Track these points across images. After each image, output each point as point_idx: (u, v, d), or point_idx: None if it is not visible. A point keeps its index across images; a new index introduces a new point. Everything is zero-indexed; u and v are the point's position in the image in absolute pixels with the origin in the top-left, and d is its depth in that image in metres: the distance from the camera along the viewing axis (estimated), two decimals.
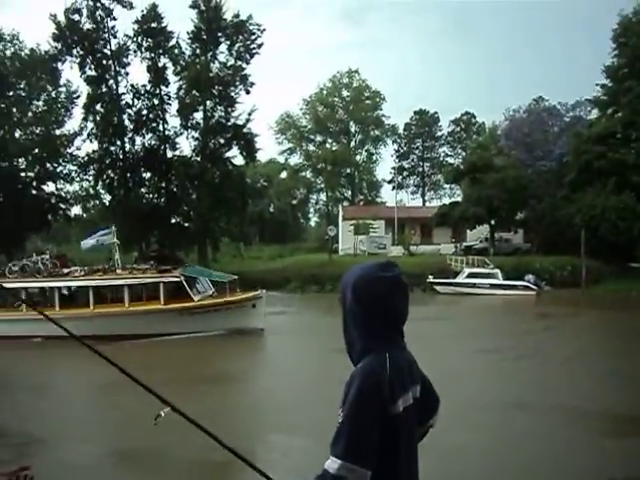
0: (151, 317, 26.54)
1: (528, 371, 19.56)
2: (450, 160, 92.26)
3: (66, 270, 29.80)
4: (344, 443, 2.49)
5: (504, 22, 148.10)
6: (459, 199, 67.64)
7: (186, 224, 56.25)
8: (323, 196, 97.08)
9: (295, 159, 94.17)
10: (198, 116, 54.32)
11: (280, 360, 23.68)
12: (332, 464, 2.49)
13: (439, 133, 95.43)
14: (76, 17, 52.22)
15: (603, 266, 48.18)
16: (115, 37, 53.07)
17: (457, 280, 46.00)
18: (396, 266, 2.76)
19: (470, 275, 45.57)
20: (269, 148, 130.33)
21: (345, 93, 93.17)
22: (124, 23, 61.15)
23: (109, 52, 53.04)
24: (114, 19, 52.79)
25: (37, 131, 56.71)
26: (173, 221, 55.37)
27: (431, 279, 46.38)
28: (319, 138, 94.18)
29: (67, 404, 17.43)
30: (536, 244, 58.97)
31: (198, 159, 54.59)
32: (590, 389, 16.82)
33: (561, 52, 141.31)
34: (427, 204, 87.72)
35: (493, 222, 57.53)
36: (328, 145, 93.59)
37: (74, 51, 52.59)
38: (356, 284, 2.69)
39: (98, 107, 53.02)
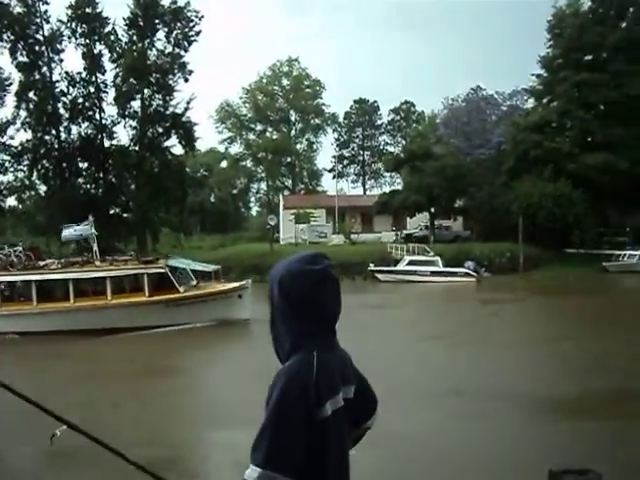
0: (135, 309, 25.52)
1: (472, 357, 19.69)
2: (390, 149, 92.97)
3: (42, 263, 28.63)
4: (265, 450, 2.30)
5: (443, 12, 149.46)
6: (399, 187, 68.16)
7: (125, 214, 55.29)
8: (264, 185, 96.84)
9: (235, 148, 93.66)
10: (136, 104, 53.36)
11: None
12: (252, 473, 2.30)
13: (379, 122, 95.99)
14: (5, 0, 50.60)
15: (540, 252, 49.22)
16: (48, 22, 51.57)
17: (398, 268, 46.35)
18: (326, 258, 2.57)
19: (410, 263, 45.96)
20: (209, 137, 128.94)
21: (285, 82, 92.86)
22: (57, 8, 59.56)
23: (42, 38, 51.49)
24: (46, 3, 51.24)
25: None
26: (111, 212, 54.26)
27: (372, 267, 46.66)
28: (259, 127, 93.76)
29: None
30: (475, 231, 59.85)
31: (136, 148, 53.65)
32: (533, 374, 17.07)
33: (498, 42, 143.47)
34: (368, 192, 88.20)
35: (433, 210, 58.17)
36: (268, 134, 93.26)
37: (4, 36, 50.90)
38: (282, 279, 2.51)
39: (31, 95, 51.48)
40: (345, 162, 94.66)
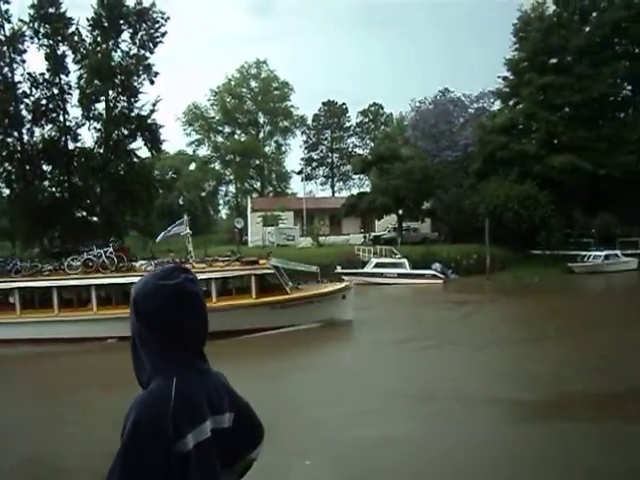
0: (241, 312, 24.43)
1: (443, 360, 19.65)
2: (359, 151, 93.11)
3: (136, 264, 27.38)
4: None
5: (411, 15, 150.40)
6: (368, 189, 68.26)
7: (90, 218, 54.49)
8: (232, 188, 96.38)
9: (204, 151, 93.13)
10: (100, 106, 52.44)
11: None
12: None
13: (348, 124, 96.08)
14: None
15: (507, 253, 49.54)
16: (9, 22, 50.37)
17: (365, 270, 46.25)
18: (184, 271, 2.32)
19: (378, 265, 45.92)
20: (177, 140, 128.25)
21: (253, 84, 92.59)
22: (19, 7, 58.57)
23: (3, 37, 50.51)
24: (7, 2, 50.06)
25: None
26: (77, 215, 53.49)
27: (339, 270, 46.52)
28: (227, 129, 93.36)
29: None
30: (443, 233, 60.13)
31: (101, 151, 52.84)
32: (503, 377, 17.06)
33: (466, 44, 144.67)
34: (336, 195, 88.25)
35: (401, 212, 58.24)
36: (237, 136, 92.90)
37: None
38: (136, 297, 2.27)
39: None
40: (314, 164, 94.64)
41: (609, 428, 12.42)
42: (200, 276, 23.20)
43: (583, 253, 50.10)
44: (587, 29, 58.82)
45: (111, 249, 26.77)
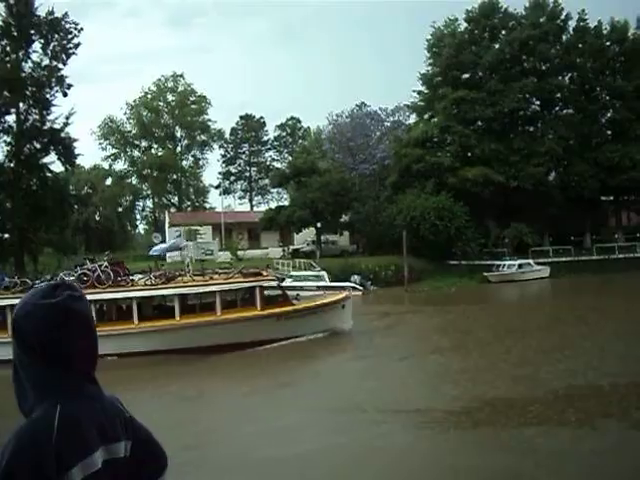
0: (246, 324, 23.84)
1: (367, 372, 19.66)
2: (277, 165, 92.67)
3: (134, 278, 26.19)
4: None
5: (329, 30, 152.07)
6: (286, 203, 68.26)
7: (1, 235, 52.60)
8: (150, 203, 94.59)
9: (120, 165, 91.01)
10: (10, 119, 50.84)
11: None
12: None
13: (265, 138, 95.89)
14: None
15: (425, 264, 50.35)
16: None
17: (283, 284, 45.95)
18: (69, 288, 2.10)
19: (296, 278, 45.83)
20: (93, 154, 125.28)
21: (170, 97, 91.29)
22: None
23: None
24: None
25: None
26: None
27: None
28: (144, 143, 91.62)
29: None
30: (362, 245, 60.65)
31: (12, 165, 51.15)
32: (425, 386, 17.24)
33: (382, 60, 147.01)
34: (255, 209, 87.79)
35: (319, 225, 58.46)
36: (153, 150, 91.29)
37: None
38: (16, 317, 2.05)
39: None
40: (232, 178, 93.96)
41: (515, 432, 12.74)
42: (206, 289, 24.45)
43: (498, 263, 51.41)
44: (497, 46, 60.67)
45: (106, 263, 25.45)
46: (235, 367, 21.34)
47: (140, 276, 26.23)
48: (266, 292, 25.41)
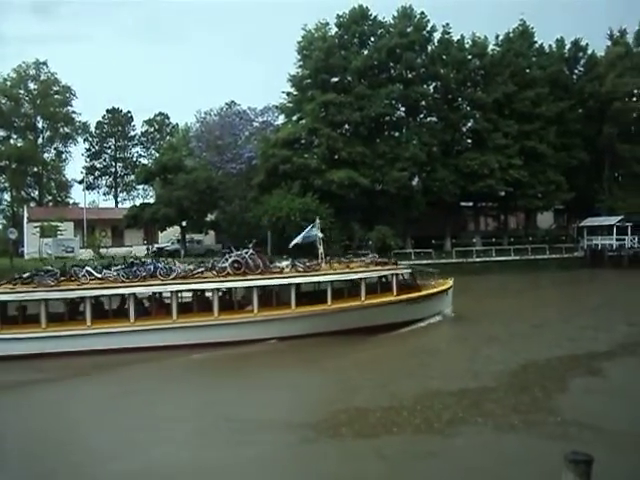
0: (385, 308, 26.09)
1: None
2: (144, 161, 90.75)
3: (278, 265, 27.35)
4: None
5: (201, 26, 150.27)
6: (153, 200, 66.75)
7: None
8: (7, 196, 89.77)
9: None
10: None
11: None
12: None
13: (132, 133, 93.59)
14: None
15: None
16: None
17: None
18: None
19: None
20: None
21: (32, 86, 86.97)
22: None
23: None
24: None
25: None
26: None
27: None
28: (2, 133, 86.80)
29: None
30: (227, 245, 59.94)
31: None
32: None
33: (253, 58, 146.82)
34: (120, 205, 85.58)
35: (185, 223, 57.44)
36: (12, 141, 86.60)
37: None
38: None
39: None
40: (97, 173, 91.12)
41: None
42: (354, 276, 26.54)
43: None
44: (366, 52, 61.79)
45: (252, 251, 25.90)
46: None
47: (286, 263, 27.51)
48: (408, 279, 28.07)
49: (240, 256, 25.25)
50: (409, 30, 61.74)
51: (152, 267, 24.56)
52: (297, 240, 31.20)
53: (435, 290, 28.94)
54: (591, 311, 32.11)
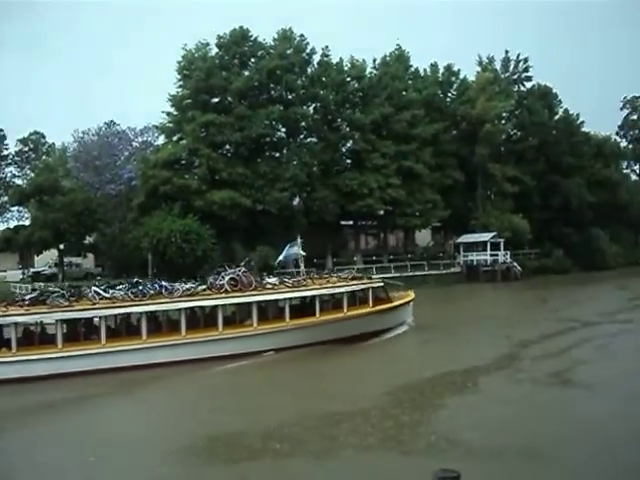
0: (363, 319, 28.32)
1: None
2: (18, 181, 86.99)
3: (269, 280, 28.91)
4: None
5: (80, 42, 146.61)
6: (28, 222, 64.43)
7: None
8: None
9: None
10: None
11: None
12: None
13: (6, 152, 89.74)
14: None
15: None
16: None
17: None
18: None
19: None
20: None
21: None
22: None
23: None
24: None
25: None
26: None
27: None
28: None
29: None
30: (107, 268, 58.79)
31: None
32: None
33: (134, 77, 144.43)
34: None
35: (62, 246, 55.81)
36: None
37: None
38: None
39: None
40: None
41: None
42: (337, 290, 28.67)
43: None
44: (247, 73, 62.19)
45: (244, 269, 27.68)
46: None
47: (274, 279, 29.00)
48: (380, 292, 30.51)
49: (235, 274, 26.77)
50: (289, 52, 62.72)
51: (157, 286, 25.79)
52: (280, 259, 33.09)
53: (403, 301, 31.65)
54: (463, 326, 33.74)
